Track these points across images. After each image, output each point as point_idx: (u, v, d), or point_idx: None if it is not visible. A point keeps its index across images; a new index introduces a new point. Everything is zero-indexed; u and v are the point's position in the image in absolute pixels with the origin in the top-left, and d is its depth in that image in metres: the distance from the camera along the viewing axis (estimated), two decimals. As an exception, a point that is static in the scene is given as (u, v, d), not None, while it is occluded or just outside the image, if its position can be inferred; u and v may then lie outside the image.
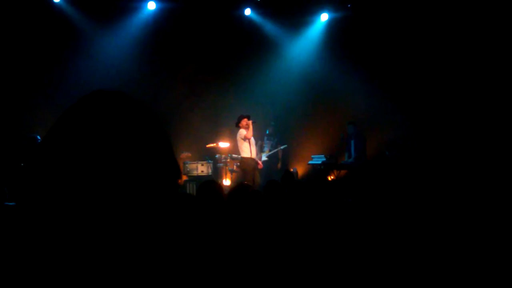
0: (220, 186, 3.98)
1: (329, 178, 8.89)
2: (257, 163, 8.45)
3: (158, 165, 0.86)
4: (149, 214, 0.82)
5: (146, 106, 0.94)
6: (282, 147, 9.66)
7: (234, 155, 9.26)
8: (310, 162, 9.56)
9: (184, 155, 9.39)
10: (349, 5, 9.93)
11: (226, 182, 9.01)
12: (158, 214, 0.83)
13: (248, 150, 8.23)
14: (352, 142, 8.96)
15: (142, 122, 0.90)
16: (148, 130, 0.89)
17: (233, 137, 9.66)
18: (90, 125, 0.84)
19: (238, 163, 9.29)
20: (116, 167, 0.80)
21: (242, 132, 8.23)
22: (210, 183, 3.93)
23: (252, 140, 8.38)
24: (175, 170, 0.90)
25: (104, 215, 0.78)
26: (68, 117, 0.86)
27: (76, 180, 0.78)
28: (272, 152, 9.53)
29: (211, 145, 9.42)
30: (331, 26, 10.26)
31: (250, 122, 8.27)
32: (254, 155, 8.30)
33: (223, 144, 9.39)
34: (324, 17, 10.26)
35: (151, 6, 9.59)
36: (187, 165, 9.07)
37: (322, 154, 9.46)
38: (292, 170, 10.05)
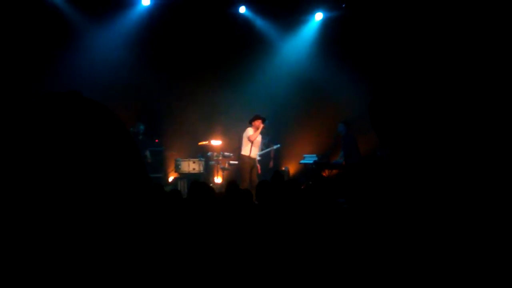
0: (210, 187, 3.97)
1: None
2: (255, 163, 8.38)
3: (113, 168, 0.84)
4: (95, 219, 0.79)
5: (103, 108, 0.91)
6: (275, 147, 9.65)
7: (226, 153, 9.25)
8: (302, 161, 9.57)
9: (171, 154, 9.37)
10: (343, 5, 9.95)
11: (218, 180, 9.00)
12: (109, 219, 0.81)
13: (248, 148, 8.20)
14: (342, 142, 9.01)
15: (97, 124, 0.87)
16: (103, 133, 0.86)
17: (225, 135, 9.64)
18: (36, 128, 0.82)
19: (231, 161, 9.29)
20: (64, 171, 0.78)
21: (249, 131, 8.23)
22: (201, 184, 3.93)
23: (258, 140, 8.35)
24: (137, 173, 0.87)
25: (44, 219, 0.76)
26: (14, 120, 0.84)
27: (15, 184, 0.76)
28: (264, 151, 9.52)
29: (203, 142, 9.40)
30: (326, 25, 10.27)
31: (262, 126, 8.25)
32: (253, 155, 8.26)
33: (215, 142, 9.37)
34: (319, 16, 10.27)
35: (146, 2, 9.54)
36: (178, 162, 9.04)
37: (314, 154, 9.48)
38: (283, 169, 10.06)
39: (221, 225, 3.10)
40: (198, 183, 3.67)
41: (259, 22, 10.30)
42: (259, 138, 8.39)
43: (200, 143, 9.46)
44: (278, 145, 9.68)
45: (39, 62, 8.81)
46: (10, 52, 8.56)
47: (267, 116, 8.81)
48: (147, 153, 8.84)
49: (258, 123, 8.21)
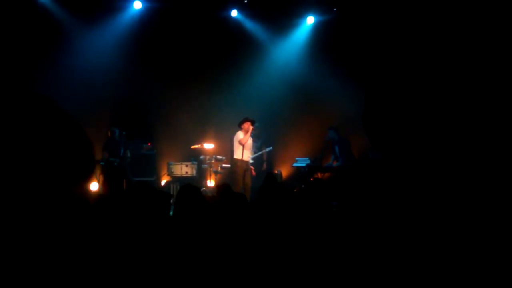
0: (199, 190, 3.96)
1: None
2: (248, 166, 8.35)
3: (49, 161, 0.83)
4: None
5: (46, 101, 0.91)
6: (267, 150, 9.65)
7: (218, 157, 9.24)
8: (294, 164, 9.58)
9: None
10: (334, 9, 10.00)
11: (210, 183, 8.99)
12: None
13: (240, 152, 8.19)
14: (336, 147, 9.02)
15: (37, 117, 0.87)
16: (43, 125, 0.86)
17: (217, 139, 9.63)
18: None
19: (223, 165, 9.28)
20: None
21: (239, 135, 8.21)
22: (191, 188, 3.92)
23: (249, 143, 8.33)
24: (72, 165, 0.87)
25: None
26: None
27: None
28: (257, 154, 9.52)
29: (196, 146, 9.39)
30: (317, 29, 10.32)
31: (251, 128, 8.23)
32: (245, 158, 8.24)
33: (208, 146, 9.36)
34: (310, 20, 10.32)
35: (137, 5, 9.53)
36: (171, 166, 9.02)
37: (306, 157, 9.50)
38: (276, 172, 10.07)
39: (213, 229, 3.09)
40: (187, 186, 3.66)
41: (251, 26, 10.33)
42: (250, 141, 8.38)
43: (192, 147, 9.45)
44: (270, 148, 9.69)
45: (30, 64, 8.76)
46: (2, 55, 8.50)
47: (259, 119, 8.84)
48: (127, 152, 8.85)
49: (247, 126, 8.20)
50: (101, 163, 8.48)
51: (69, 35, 9.20)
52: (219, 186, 5.01)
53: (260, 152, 9.58)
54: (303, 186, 7.44)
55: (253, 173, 8.46)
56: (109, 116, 9.44)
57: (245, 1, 9.93)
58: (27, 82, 8.68)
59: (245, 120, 8.25)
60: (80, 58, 9.13)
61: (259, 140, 9.73)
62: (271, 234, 3.08)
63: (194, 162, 9.22)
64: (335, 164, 9.03)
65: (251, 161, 8.72)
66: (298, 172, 9.54)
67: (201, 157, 9.33)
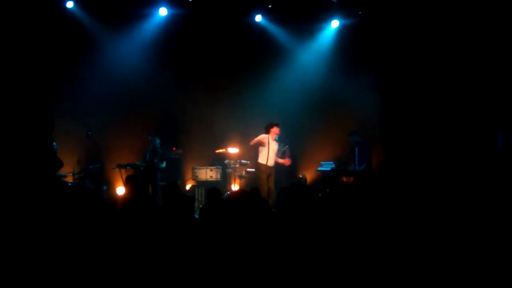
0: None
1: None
2: (272, 171, 8.31)
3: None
4: None
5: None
6: (283, 148, 9.47)
7: (243, 161, 9.25)
8: (319, 168, 9.53)
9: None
10: (359, 12, 9.92)
11: (235, 187, 9.03)
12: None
13: (264, 156, 8.16)
14: (356, 149, 8.92)
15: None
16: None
17: (242, 143, 9.65)
18: None
19: (248, 169, 9.27)
20: None
21: (260, 136, 8.22)
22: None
23: (274, 146, 8.32)
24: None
25: None
26: None
27: None
28: (280, 156, 9.48)
29: (220, 150, 9.44)
30: (342, 33, 10.25)
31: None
32: (270, 163, 8.20)
33: (232, 150, 9.39)
34: (335, 24, 10.25)
35: (163, 12, 9.67)
36: (195, 170, 9.10)
37: (331, 161, 9.43)
38: (301, 176, 10.02)
39: (231, 234, 3.11)
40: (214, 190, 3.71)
41: (275, 31, 10.33)
42: (276, 146, 8.38)
43: (217, 151, 9.50)
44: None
45: (59, 73, 8.99)
46: (31, 62, 8.75)
47: (283, 124, 8.81)
48: (161, 159, 8.99)
49: (276, 129, 8.29)
50: (127, 167, 8.62)
51: (95, 42, 9.39)
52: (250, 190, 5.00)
53: (280, 154, 9.55)
54: (327, 190, 7.38)
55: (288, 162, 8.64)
56: (136, 122, 9.60)
57: (269, 6, 9.96)
58: (54, 91, 8.86)
59: (271, 125, 8.28)
60: (107, 66, 9.30)
61: (282, 143, 9.69)
62: (292, 239, 3.07)
63: (218, 166, 9.28)
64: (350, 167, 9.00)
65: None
66: (323, 176, 9.49)
67: (226, 161, 9.37)
